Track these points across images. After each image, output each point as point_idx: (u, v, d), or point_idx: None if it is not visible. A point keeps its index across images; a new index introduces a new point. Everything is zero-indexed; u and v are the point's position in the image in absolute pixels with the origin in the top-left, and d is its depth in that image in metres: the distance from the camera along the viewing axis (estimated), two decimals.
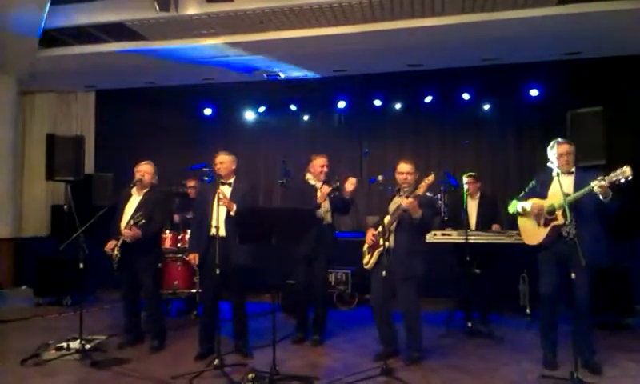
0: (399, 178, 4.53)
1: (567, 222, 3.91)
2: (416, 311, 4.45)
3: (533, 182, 4.44)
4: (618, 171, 3.78)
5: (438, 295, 6.19)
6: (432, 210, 4.59)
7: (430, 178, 4.12)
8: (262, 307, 6.17)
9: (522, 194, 4.49)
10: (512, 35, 6.31)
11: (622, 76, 7.06)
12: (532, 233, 4.28)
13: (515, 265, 6.00)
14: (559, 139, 4.29)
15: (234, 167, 4.81)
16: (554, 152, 4.24)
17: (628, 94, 7.07)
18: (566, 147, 4.20)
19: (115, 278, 5.05)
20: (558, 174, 4.06)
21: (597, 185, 3.81)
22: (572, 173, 4.18)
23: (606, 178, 3.80)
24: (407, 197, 4.22)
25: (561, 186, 3.95)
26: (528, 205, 4.27)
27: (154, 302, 5.06)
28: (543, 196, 4.26)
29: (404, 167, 4.52)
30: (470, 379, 4.09)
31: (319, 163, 5.22)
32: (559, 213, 4.06)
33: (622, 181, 3.77)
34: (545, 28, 6.08)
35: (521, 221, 4.41)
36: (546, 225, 4.16)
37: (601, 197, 3.84)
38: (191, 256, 4.79)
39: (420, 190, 4.15)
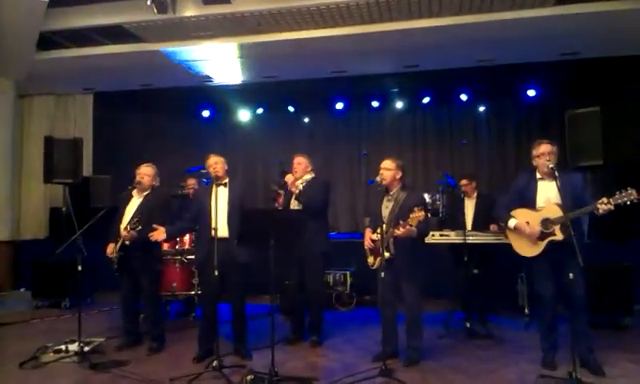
0: (380, 173, 4.54)
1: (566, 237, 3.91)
2: (418, 312, 4.47)
3: (515, 184, 4.44)
4: (624, 194, 3.77)
5: (436, 296, 6.20)
6: (427, 221, 4.56)
7: (421, 214, 4.08)
8: (260, 309, 6.16)
9: (507, 197, 4.49)
10: (509, 36, 6.32)
11: (620, 76, 7.08)
12: (526, 246, 4.24)
13: (513, 265, 5.99)
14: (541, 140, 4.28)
15: (226, 168, 4.82)
16: (535, 152, 4.24)
17: (625, 94, 7.09)
18: (547, 147, 4.18)
19: (115, 279, 5.05)
20: (540, 177, 4.07)
21: (602, 208, 3.80)
22: (555, 177, 4.08)
23: (611, 200, 3.79)
24: (399, 227, 4.21)
25: (562, 207, 3.95)
26: (520, 224, 4.21)
27: (153, 304, 5.06)
28: (530, 203, 4.24)
29: (385, 163, 4.55)
30: (469, 380, 4.09)
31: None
32: (557, 228, 4.04)
33: (628, 203, 3.77)
34: (542, 28, 6.08)
35: (511, 233, 4.37)
36: (541, 238, 4.14)
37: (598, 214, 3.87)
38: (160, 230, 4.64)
39: (411, 222, 4.13)
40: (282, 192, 5.61)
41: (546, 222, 4.09)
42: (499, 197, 4.91)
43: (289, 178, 5.19)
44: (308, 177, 5.22)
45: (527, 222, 4.18)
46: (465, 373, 4.23)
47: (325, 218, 5.27)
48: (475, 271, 5.50)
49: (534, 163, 4.29)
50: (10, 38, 6.54)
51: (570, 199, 4.00)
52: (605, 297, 5.37)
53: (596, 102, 5.85)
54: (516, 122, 8.14)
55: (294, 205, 5.11)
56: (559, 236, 4.03)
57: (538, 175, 4.26)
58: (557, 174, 4.04)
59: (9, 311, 6.81)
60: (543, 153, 4.18)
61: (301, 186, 5.12)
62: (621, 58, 6.91)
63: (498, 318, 5.84)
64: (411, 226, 4.14)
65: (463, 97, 8.01)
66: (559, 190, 3.98)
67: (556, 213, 4.03)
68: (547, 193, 4.17)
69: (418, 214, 4.08)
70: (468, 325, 5.36)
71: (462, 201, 6.06)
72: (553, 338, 4.29)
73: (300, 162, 5.23)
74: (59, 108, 8.97)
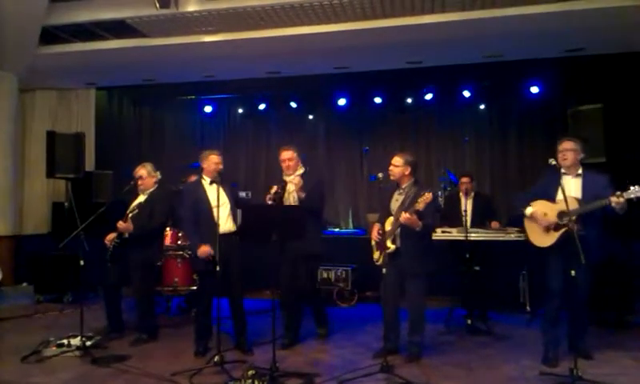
0: (389, 169, 4.54)
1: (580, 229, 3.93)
2: (421, 308, 4.47)
3: (540, 180, 4.48)
4: (637, 189, 3.80)
5: (437, 293, 6.17)
6: (433, 217, 4.55)
7: (429, 196, 4.08)
8: (261, 304, 6.17)
9: (529, 190, 4.53)
10: (513, 32, 6.29)
11: (623, 73, 7.04)
12: (541, 236, 4.27)
13: (514, 262, 6.00)
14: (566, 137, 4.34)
15: None
16: (558, 148, 4.28)
17: (629, 90, 7.06)
18: (567, 144, 4.23)
19: (107, 268, 5.11)
20: (565, 173, 4.18)
21: (615, 201, 3.84)
22: (579, 175, 4.20)
23: (624, 194, 3.83)
24: (405, 212, 4.18)
25: (580, 201, 4.01)
26: (536, 212, 4.26)
27: (145, 299, 5.09)
28: (551, 197, 4.26)
29: (394, 160, 4.55)
30: (470, 376, 4.09)
31: (281, 157, 4.94)
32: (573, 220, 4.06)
33: None
34: (546, 25, 6.05)
35: (528, 222, 4.41)
36: (556, 229, 4.16)
37: (617, 210, 3.89)
38: (202, 249, 4.49)
39: (418, 206, 4.11)
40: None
41: (562, 214, 4.11)
42: (499, 195, 4.93)
43: (296, 182, 4.75)
44: (300, 171, 4.90)
45: (545, 213, 4.23)
46: (466, 369, 4.23)
47: (321, 218, 5.12)
48: (476, 268, 5.50)
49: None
50: (13, 32, 6.54)
51: (592, 197, 4.03)
52: (607, 294, 5.35)
53: (599, 99, 5.83)
54: (519, 118, 8.13)
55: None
56: (574, 228, 4.04)
57: (562, 170, 4.28)
58: (580, 171, 4.18)
59: (11, 306, 6.83)
60: (561, 150, 4.24)
61: (299, 184, 4.75)
62: (624, 55, 6.89)
63: (499, 314, 5.82)
64: (419, 209, 4.12)
65: (466, 93, 7.99)
66: (582, 185, 4.08)
67: (573, 206, 4.05)
68: (568, 187, 4.18)
69: (426, 196, 4.07)
70: (469, 321, 5.36)
71: (459, 198, 6.04)
72: (555, 333, 4.30)
73: (292, 158, 4.86)
74: (62, 103, 8.97)
